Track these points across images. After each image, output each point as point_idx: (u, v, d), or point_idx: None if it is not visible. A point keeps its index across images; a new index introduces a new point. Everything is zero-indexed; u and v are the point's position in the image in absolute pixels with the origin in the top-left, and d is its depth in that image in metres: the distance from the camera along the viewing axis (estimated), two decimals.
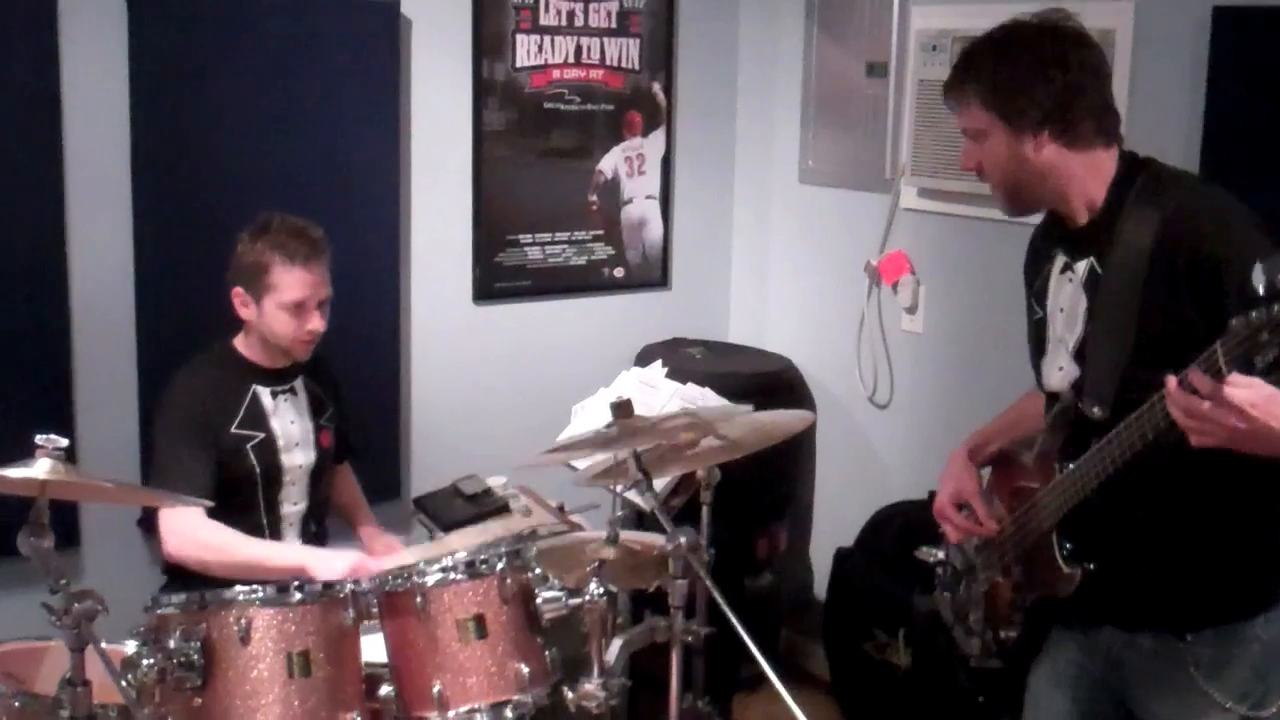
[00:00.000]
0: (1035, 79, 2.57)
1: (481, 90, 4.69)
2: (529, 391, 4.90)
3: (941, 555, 3.79)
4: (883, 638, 4.25)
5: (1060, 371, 2.70)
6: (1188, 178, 2.65)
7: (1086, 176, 2.61)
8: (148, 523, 4.08)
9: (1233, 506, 2.56)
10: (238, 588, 2.72)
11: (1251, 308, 2.02)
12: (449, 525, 3.96)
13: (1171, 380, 2.19)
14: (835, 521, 4.83)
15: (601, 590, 2.85)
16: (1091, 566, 2.63)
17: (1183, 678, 2.60)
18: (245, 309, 3.62)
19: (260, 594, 2.70)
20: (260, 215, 3.64)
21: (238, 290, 3.61)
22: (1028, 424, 2.95)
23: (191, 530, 3.45)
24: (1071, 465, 2.60)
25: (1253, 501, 2.56)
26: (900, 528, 4.41)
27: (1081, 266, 2.64)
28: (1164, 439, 2.33)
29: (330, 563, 3.40)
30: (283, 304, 3.56)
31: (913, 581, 4.06)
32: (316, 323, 3.62)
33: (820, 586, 4.80)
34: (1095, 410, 2.55)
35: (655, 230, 5.19)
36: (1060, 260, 2.71)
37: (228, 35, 4.13)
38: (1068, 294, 2.68)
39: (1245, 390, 2.09)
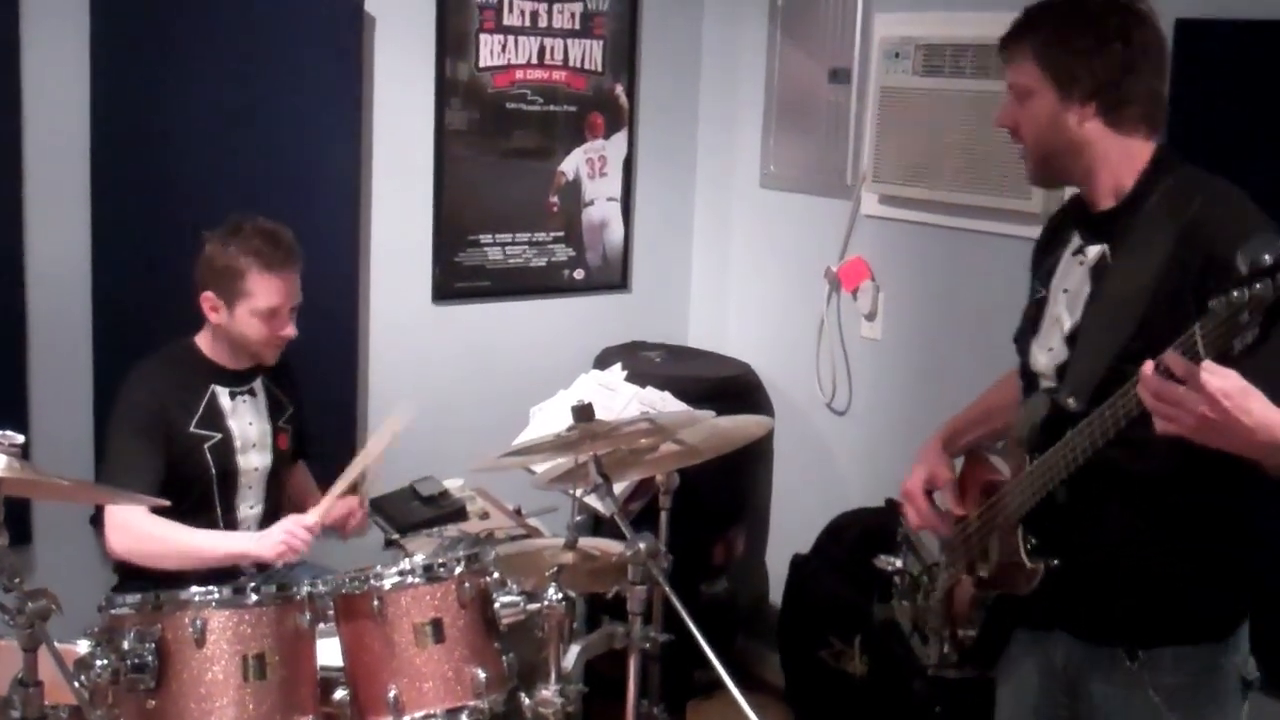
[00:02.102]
0: (1096, 47, 2.51)
1: (444, 89, 4.67)
2: (487, 393, 4.88)
3: (899, 564, 3.80)
4: (839, 645, 4.25)
5: (1049, 353, 2.65)
6: (1219, 184, 2.51)
7: (1120, 161, 2.56)
8: (98, 520, 4.04)
9: (1204, 520, 2.52)
10: (193, 589, 2.70)
11: (1234, 289, 1.99)
12: (405, 527, 3.94)
13: (1149, 364, 2.14)
14: (792, 528, 4.82)
15: (560, 595, 2.84)
16: (1056, 563, 2.56)
17: (1141, 701, 2.54)
18: (215, 313, 3.56)
19: (216, 595, 2.67)
20: (230, 217, 3.60)
21: (207, 294, 3.55)
22: (1002, 416, 2.88)
23: (134, 525, 3.43)
24: (1041, 456, 2.53)
25: (1225, 519, 2.52)
26: (857, 535, 4.41)
27: (1093, 252, 2.60)
28: (1133, 431, 2.28)
29: (266, 539, 3.43)
30: (257, 311, 3.52)
31: (869, 589, 4.06)
32: (289, 329, 3.60)
33: (776, 593, 4.79)
34: (1071, 401, 2.49)
35: (616, 232, 5.18)
36: (1075, 242, 2.66)
37: (189, 30, 4.10)
38: (1075, 277, 2.62)
39: (1220, 379, 2.05)
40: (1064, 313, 2.63)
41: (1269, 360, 2.10)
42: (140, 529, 3.43)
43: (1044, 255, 2.78)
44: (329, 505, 3.56)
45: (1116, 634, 2.58)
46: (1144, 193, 2.54)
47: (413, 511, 4.03)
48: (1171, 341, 2.19)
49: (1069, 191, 2.82)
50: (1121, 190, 2.57)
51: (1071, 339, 2.59)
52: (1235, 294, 1.99)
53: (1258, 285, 1.96)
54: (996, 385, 3.06)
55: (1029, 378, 2.74)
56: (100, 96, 3.99)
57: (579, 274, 5.12)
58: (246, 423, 3.66)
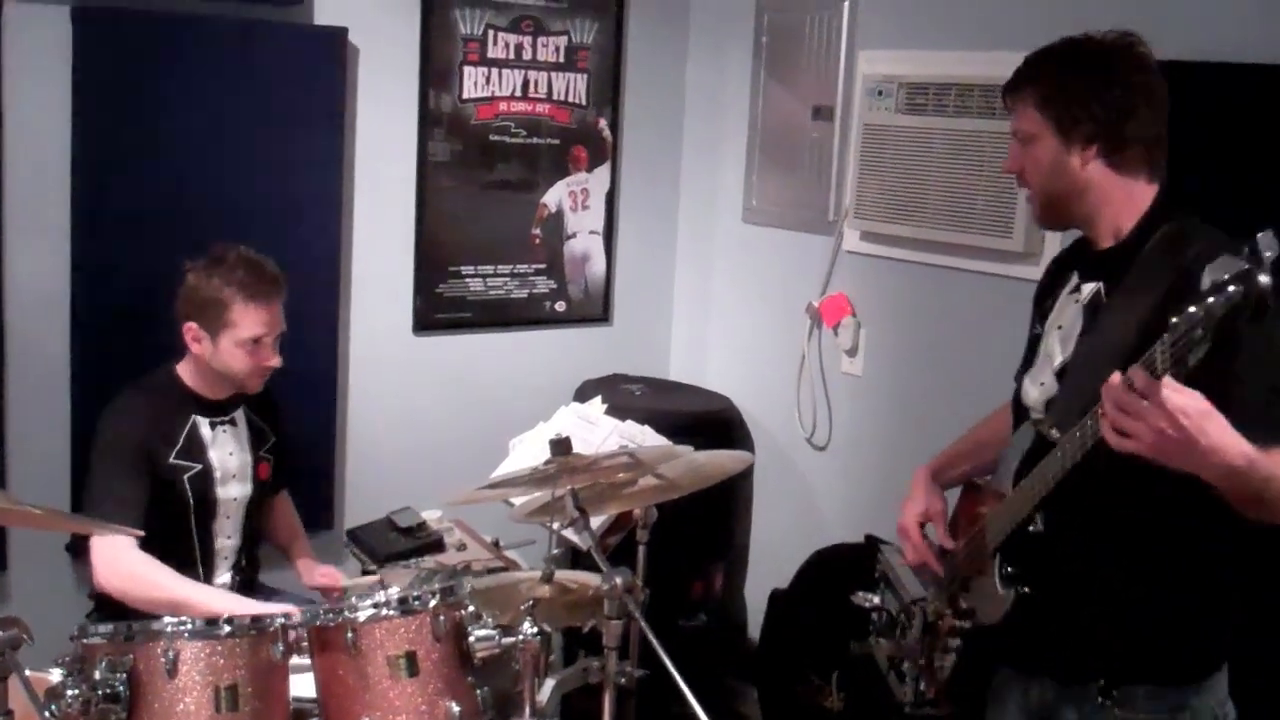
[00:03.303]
0: (1094, 91, 2.56)
1: (427, 120, 4.68)
2: (467, 424, 4.88)
3: (877, 600, 3.79)
4: (816, 681, 4.24)
5: (1040, 387, 2.70)
6: (1218, 234, 2.51)
7: (1122, 203, 2.60)
8: (76, 548, 4.02)
9: (1182, 562, 2.55)
10: (166, 619, 2.68)
11: (1192, 305, 2.04)
12: (382, 558, 3.92)
13: (1115, 376, 2.18)
14: (771, 563, 4.82)
15: (535, 629, 2.82)
16: (1026, 590, 2.60)
17: None
18: (198, 344, 3.55)
19: (189, 626, 2.65)
20: (214, 247, 3.58)
21: (190, 325, 3.54)
22: (991, 450, 2.94)
23: (125, 562, 3.39)
24: (1021, 485, 2.60)
25: (1204, 563, 2.56)
26: (836, 571, 4.39)
27: (1088, 289, 2.65)
28: (1098, 455, 2.33)
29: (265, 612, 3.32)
30: (240, 341, 3.51)
31: (848, 625, 4.05)
32: (274, 359, 3.59)
33: (755, 628, 4.78)
34: (1054, 432, 2.54)
35: (598, 265, 5.19)
36: (1073, 281, 2.71)
37: (173, 59, 4.10)
38: (1069, 314, 2.68)
39: (1182, 397, 2.09)
40: (1056, 348, 2.68)
41: (1232, 384, 2.19)
42: (131, 568, 3.39)
43: (1045, 296, 2.83)
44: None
45: (1090, 670, 2.61)
46: (1143, 235, 2.58)
47: (390, 542, 3.99)
48: None
49: (1068, 234, 2.87)
50: (1121, 231, 2.62)
51: (1061, 373, 2.65)
52: (1193, 309, 2.02)
53: (1210, 300, 2.00)
54: (986, 420, 3.10)
55: (1019, 411, 2.78)
56: (82, 123, 3.99)
57: (560, 306, 5.12)
58: (227, 453, 3.65)
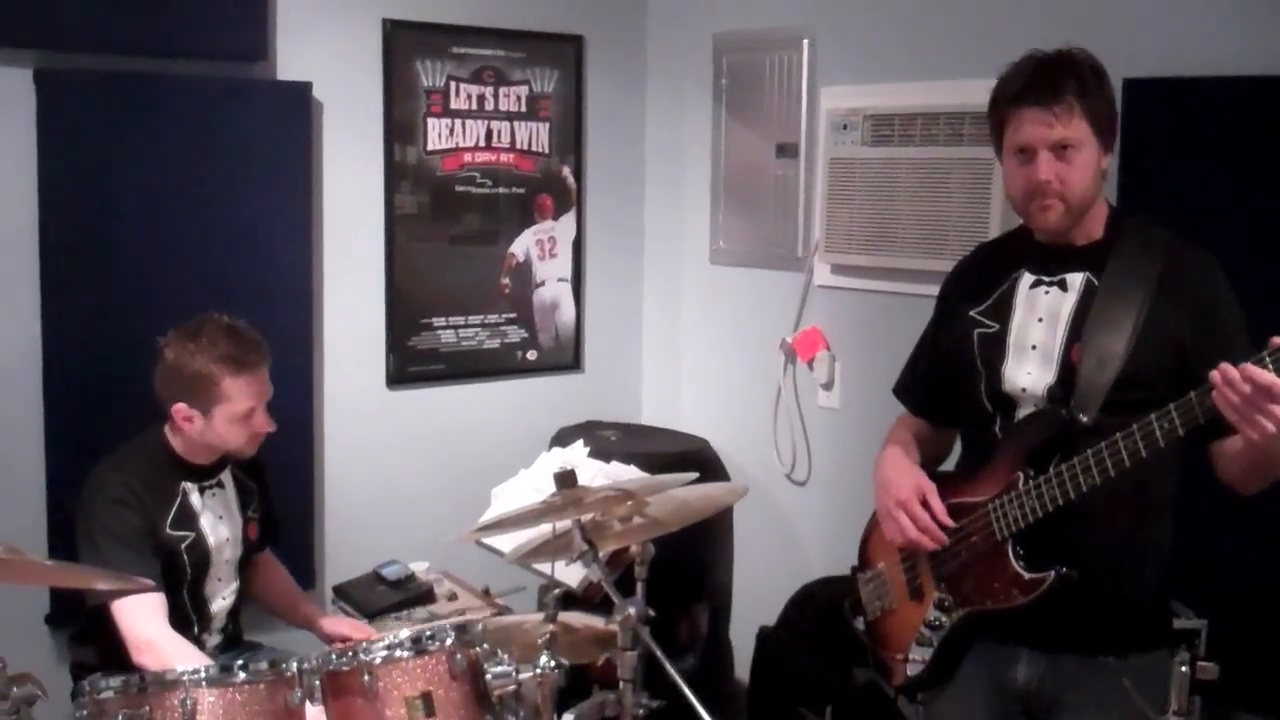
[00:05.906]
0: (1113, 100, 2.75)
1: (393, 173, 4.68)
2: (445, 476, 4.85)
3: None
4: (810, 717, 4.21)
5: (1029, 375, 2.78)
6: (1169, 232, 2.79)
7: (1100, 205, 2.78)
8: (58, 618, 3.96)
9: (1169, 532, 2.81)
10: (178, 667, 2.63)
11: None
12: (372, 613, 3.88)
13: (1218, 373, 2.34)
14: (756, 601, 4.79)
15: (553, 663, 2.79)
16: (1065, 570, 2.67)
17: (1116, 690, 2.70)
18: (189, 423, 3.43)
19: (204, 674, 2.61)
20: (192, 321, 3.47)
21: (179, 406, 3.41)
22: (916, 450, 3.06)
23: (163, 649, 3.24)
24: (1052, 471, 2.66)
25: (1174, 529, 2.83)
26: (823, 605, 4.38)
27: (1077, 280, 2.77)
28: (1160, 453, 2.51)
29: None
30: (235, 415, 3.43)
31: (838, 659, 4.03)
32: (268, 424, 3.52)
33: (742, 668, 4.75)
34: (1083, 417, 2.65)
35: (567, 313, 5.19)
36: (1029, 276, 2.84)
37: (138, 117, 4.08)
38: (1047, 304, 2.80)
39: None
40: (1044, 337, 2.79)
41: None
42: (174, 657, 3.19)
43: (981, 293, 2.92)
44: None
45: (1107, 642, 2.74)
46: (1115, 230, 2.79)
47: (379, 596, 3.96)
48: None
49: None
50: (1093, 228, 2.79)
51: (1064, 360, 2.74)
52: None
53: None
54: (899, 428, 3.20)
55: (1001, 401, 2.84)
56: (48, 188, 3.97)
57: (532, 355, 5.11)
58: (217, 517, 3.57)
